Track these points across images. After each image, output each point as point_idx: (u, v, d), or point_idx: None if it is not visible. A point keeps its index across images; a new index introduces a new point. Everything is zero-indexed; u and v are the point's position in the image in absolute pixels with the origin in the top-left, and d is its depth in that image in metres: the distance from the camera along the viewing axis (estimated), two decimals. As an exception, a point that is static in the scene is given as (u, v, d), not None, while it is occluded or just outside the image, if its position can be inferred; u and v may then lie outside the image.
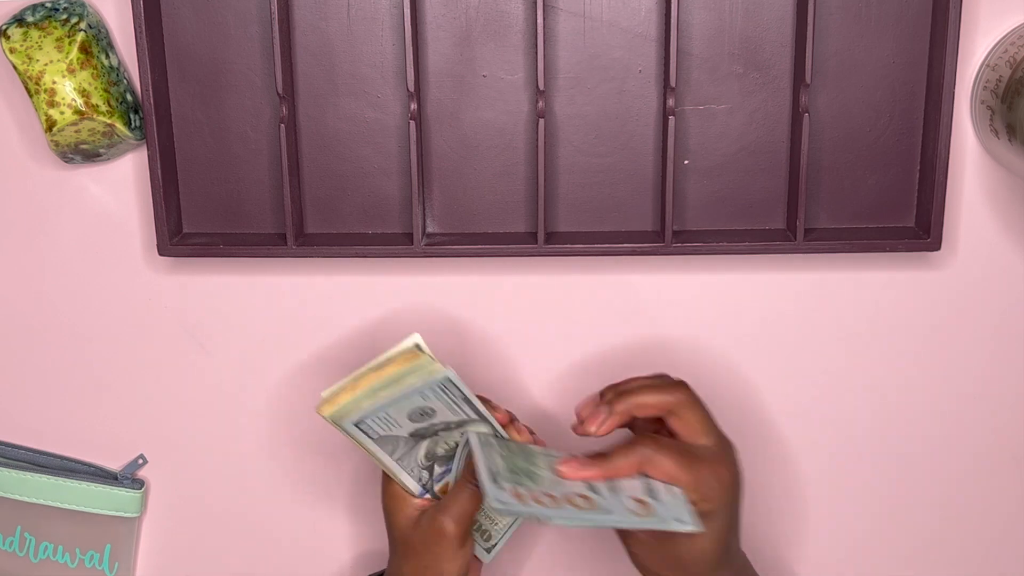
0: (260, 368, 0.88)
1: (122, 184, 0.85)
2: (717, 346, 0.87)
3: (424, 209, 0.84)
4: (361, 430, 0.73)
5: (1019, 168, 0.80)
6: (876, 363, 0.87)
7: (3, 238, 0.86)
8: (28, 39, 0.78)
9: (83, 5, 0.79)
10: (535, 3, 0.78)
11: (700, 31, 0.81)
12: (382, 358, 0.71)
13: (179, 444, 0.90)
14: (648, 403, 0.73)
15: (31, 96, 0.78)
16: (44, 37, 0.78)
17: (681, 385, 0.74)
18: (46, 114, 0.78)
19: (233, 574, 0.93)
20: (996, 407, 0.88)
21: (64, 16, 0.79)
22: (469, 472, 0.75)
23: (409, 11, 0.78)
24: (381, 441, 0.74)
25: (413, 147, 0.80)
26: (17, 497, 0.88)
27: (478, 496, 0.75)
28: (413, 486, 0.77)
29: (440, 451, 0.77)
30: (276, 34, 0.79)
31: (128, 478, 0.89)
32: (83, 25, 0.78)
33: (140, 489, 0.89)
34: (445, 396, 0.73)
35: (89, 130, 0.79)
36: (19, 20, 0.79)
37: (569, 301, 0.87)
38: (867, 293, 0.86)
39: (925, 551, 0.91)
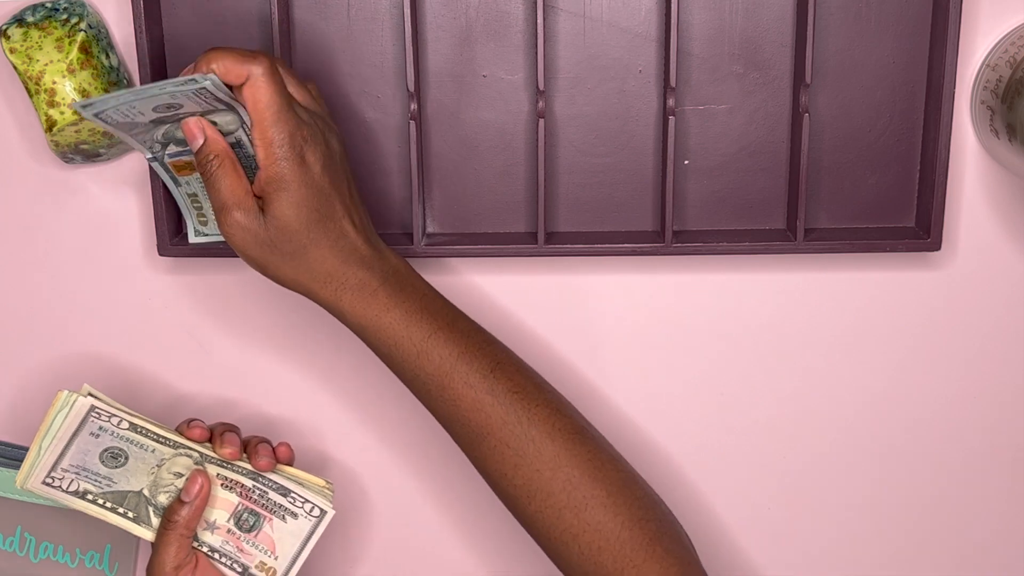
0: (260, 368, 0.88)
1: (122, 184, 0.85)
2: (717, 346, 0.87)
3: (424, 209, 0.84)
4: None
5: (1019, 168, 0.80)
6: (875, 363, 0.87)
7: (3, 238, 0.86)
8: (28, 39, 0.78)
9: (83, 5, 0.79)
10: (535, 3, 0.78)
11: (700, 31, 0.81)
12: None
13: (179, 444, 0.90)
14: (227, 67, 0.68)
15: (31, 96, 0.78)
16: (44, 37, 0.78)
17: (260, 57, 0.68)
18: (46, 114, 0.78)
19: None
20: (996, 407, 0.88)
21: (64, 16, 0.79)
22: (166, 515, 0.75)
23: (409, 11, 0.78)
24: (120, 127, 0.71)
25: (413, 147, 0.80)
26: (17, 497, 0.88)
27: (178, 539, 0.75)
28: (152, 536, 0.76)
29: (179, 135, 0.73)
30: (276, 34, 0.79)
31: (128, 478, 0.89)
32: (83, 25, 0.78)
33: (140, 489, 0.89)
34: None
35: (89, 130, 0.79)
36: (19, 20, 0.79)
37: (569, 301, 0.86)
38: (867, 293, 0.86)
39: (925, 550, 0.91)
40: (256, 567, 0.77)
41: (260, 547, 0.77)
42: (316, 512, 0.77)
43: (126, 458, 0.75)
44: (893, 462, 0.89)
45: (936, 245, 0.81)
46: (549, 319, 0.87)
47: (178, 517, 0.75)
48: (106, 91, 0.79)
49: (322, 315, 0.87)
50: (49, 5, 0.79)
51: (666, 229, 0.81)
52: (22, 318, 0.88)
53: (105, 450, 0.74)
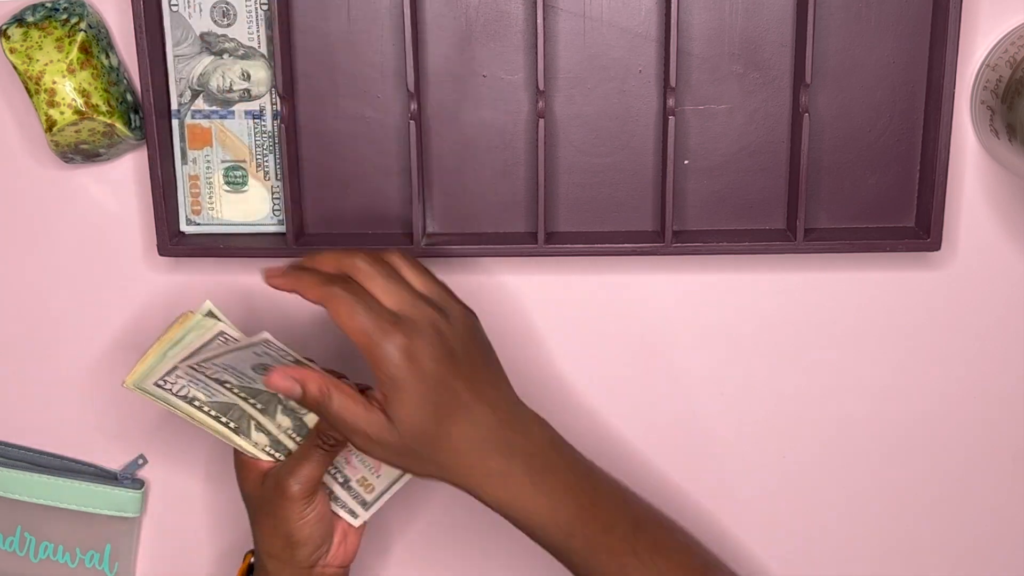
0: (260, 368, 0.88)
1: (122, 184, 0.85)
2: (717, 346, 0.87)
3: (424, 209, 0.83)
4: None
5: (1019, 168, 0.80)
6: (876, 363, 0.87)
7: (3, 238, 0.86)
8: (28, 39, 0.78)
9: (83, 5, 0.80)
10: (535, 3, 0.78)
11: (700, 31, 0.81)
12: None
13: (179, 444, 0.90)
14: (328, 259, 0.68)
15: (31, 96, 0.78)
16: (44, 37, 0.78)
17: (363, 252, 0.68)
18: (46, 114, 0.78)
19: (233, 574, 0.93)
20: (996, 407, 0.88)
21: (64, 16, 0.79)
22: (315, 433, 0.74)
23: (409, 11, 0.78)
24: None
25: (413, 147, 0.80)
26: (17, 497, 0.88)
27: (326, 457, 0.74)
28: (251, 447, 0.75)
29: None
30: (276, 34, 0.79)
31: (128, 478, 0.89)
32: (83, 25, 0.78)
33: (140, 489, 0.89)
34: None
35: (89, 130, 0.79)
36: (19, 20, 0.79)
37: (569, 301, 0.87)
38: (867, 293, 0.86)
39: (925, 549, 0.91)
40: (358, 481, 0.78)
41: (366, 463, 0.77)
42: None
43: (264, 368, 0.73)
44: (893, 462, 0.89)
45: (936, 245, 0.81)
46: (549, 319, 0.87)
47: (333, 440, 0.73)
48: (106, 91, 0.79)
49: (322, 311, 0.87)
50: (49, 5, 0.79)
51: (666, 229, 0.81)
52: (22, 318, 0.88)
53: (258, 365, 0.73)
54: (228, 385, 0.74)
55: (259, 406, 0.75)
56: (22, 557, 0.89)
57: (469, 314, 0.71)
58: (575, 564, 0.72)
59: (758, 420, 0.88)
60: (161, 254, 0.83)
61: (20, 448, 0.90)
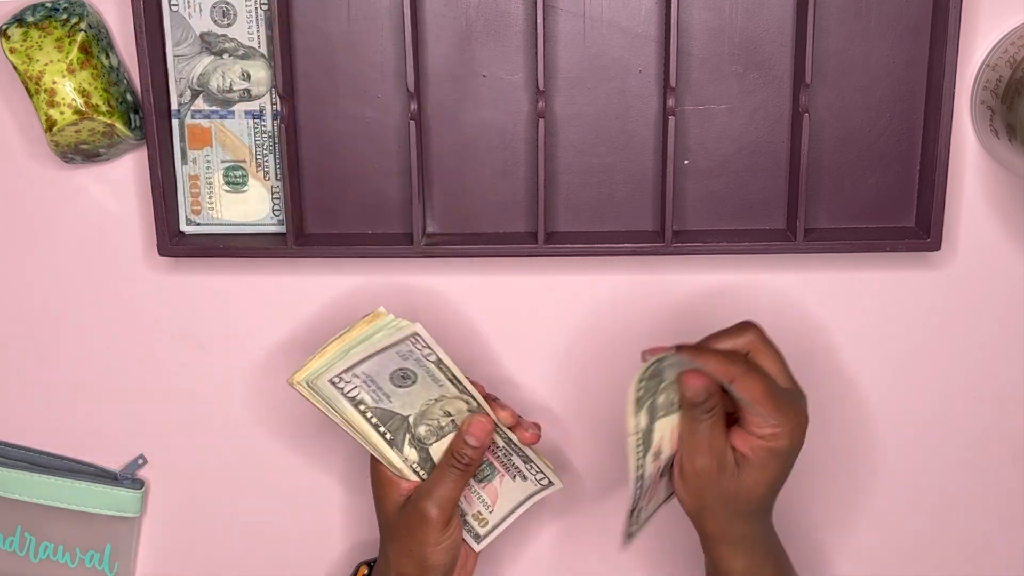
0: (260, 368, 0.88)
1: (122, 184, 0.85)
2: (717, 346, 0.87)
3: (424, 209, 0.83)
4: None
5: (1019, 168, 0.80)
6: (876, 363, 0.87)
7: (3, 238, 0.86)
8: (28, 39, 0.78)
9: (83, 5, 0.80)
10: (535, 3, 0.78)
11: (700, 31, 0.81)
12: (346, 328, 0.73)
13: (179, 444, 0.90)
14: (723, 346, 0.73)
15: (31, 96, 0.78)
16: (44, 37, 0.78)
17: (749, 326, 0.74)
18: (46, 114, 0.78)
19: (233, 574, 0.93)
20: (996, 406, 0.88)
21: (64, 16, 0.79)
22: (451, 454, 0.75)
23: (409, 11, 0.78)
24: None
25: (413, 147, 0.80)
26: (17, 497, 0.88)
27: (462, 479, 0.75)
28: (399, 463, 0.76)
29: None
30: (276, 34, 0.79)
31: (128, 478, 0.89)
32: (83, 25, 0.78)
33: (140, 489, 0.89)
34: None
35: (89, 130, 0.79)
36: (19, 20, 0.79)
37: (569, 301, 0.86)
38: (867, 293, 0.86)
39: (922, 550, 0.91)
40: (473, 516, 0.79)
41: (483, 498, 0.79)
42: (545, 482, 0.81)
43: (413, 382, 0.75)
44: (893, 461, 0.89)
45: (936, 245, 0.81)
46: (549, 319, 0.87)
47: (467, 460, 0.75)
48: (106, 91, 0.79)
49: (322, 311, 0.87)
50: (49, 5, 0.79)
51: (666, 229, 0.81)
52: (22, 318, 0.88)
53: (399, 369, 0.74)
54: (360, 405, 0.74)
55: (385, 432, 0.76)
56: (22, 557, 0.89)
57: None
58: None
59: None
60: (161, 254, 0.83)
61: (20, 448, 0.90)
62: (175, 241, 0.83)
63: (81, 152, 0.81)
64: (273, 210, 0.84)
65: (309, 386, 0.72)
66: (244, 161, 0.84)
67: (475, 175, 0.84)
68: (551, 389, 0.88)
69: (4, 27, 0.79)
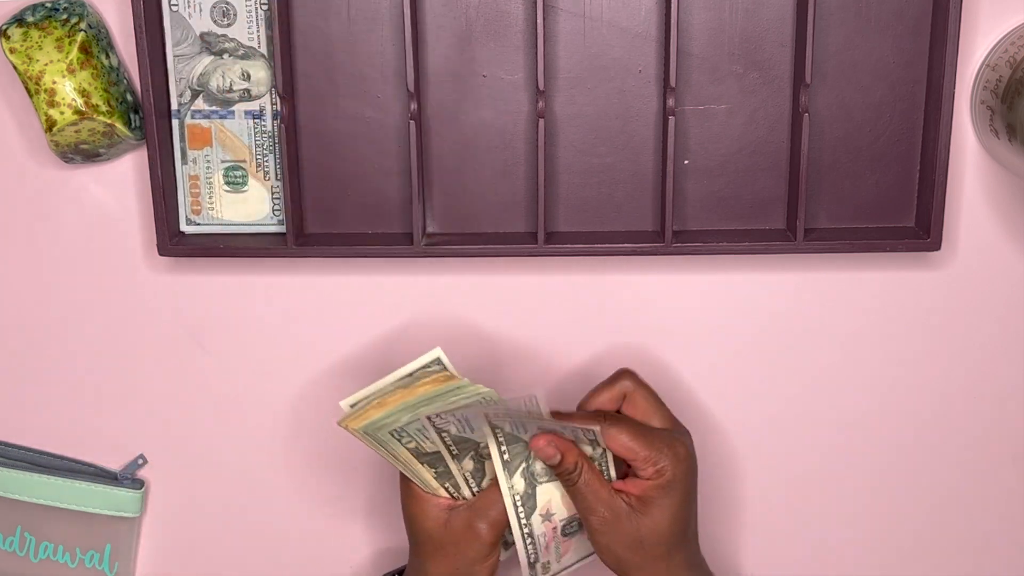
0: (260, 368, 0.88)
1: (122, 184, 0.85)
2: (717, 346, 0.87)
3: (424, 209, 0.83)
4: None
5: (1019, 168, 0.80)
6: (876, 363, 0.87)
7: (3, 238, 0.86)
8: (28, 39, 0.78)
9: (83, 5, 0.79)
10: (535, 3, 0.78)
11: (700, 31, 0.81)
12: (405, 371, 0.72)
13: (179, 444, 0.90)
14: (600, 402, 0.77)
15: (31, 96, 0.78)
16: (44, 37, 0.78)
17: (624, 373, 0.77)
18: (46, 114, 0.78)
19: (233, 574, 0.93)
20: (996, 407, 0.88)
21: (64, 16, 0.79)
22: (571, 478, 0.76)
23: (409, 11, 0.78)
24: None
25: (413, 147, 0.80)
26: (17, 497, 0.88)
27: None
28: (436, 487, 0.77)
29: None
30: (276, 34, 0.79)
31: (128, 478, 0.89)
32: (83, 25, 0.78)
33: (140, 489, 0.89)
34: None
35: (89, 130, 0.79)
36: (19, 20, 0.79)
37: (569, 301, 0.86)
38: (867, 293, 0.86)
39: (924, 550, 0.91)
40: (542, 565, 0.79)
41: (557, 551, 0.79)
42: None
43: (472, 430, 0.75)
44: (893, 461, 0.89)
45: (936, 245, 0.81)
46: (549, 319, 0.87)
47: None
48: (106, 91, 0.79)
49: (322, 311, 0.87)
50: (49, 5, 0.79)
51: (666, 229, 0.81)
52: (22, 318, 0.88)
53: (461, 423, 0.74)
54: (443, 433, 0.74)
55: (455, 450, 0.76)
56: (22, 557, 0.89)
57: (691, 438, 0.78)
58: None
59: (758, 420, 0.88)
60: (161, 254, 0.83)
61: (20, 448, 0.90)
62: (175, 241, 0.83)
63: (81, 152, 0.81)
64: (273, 210, 0.84)
65: (367, 435, 0.72)
66: (244, 161, 0.84)
67: (475, 175, 0.84)
68: (550, 389, 0.88)
69: (4, 27, 0.79)
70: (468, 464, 0.77)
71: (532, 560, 0.77)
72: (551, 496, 0.76)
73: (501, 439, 0.74)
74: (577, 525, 0.79)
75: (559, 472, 0.74)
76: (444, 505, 0.77)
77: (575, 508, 0.76)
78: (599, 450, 0.75)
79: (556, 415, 0.73)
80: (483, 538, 0.76)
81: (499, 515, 0.76)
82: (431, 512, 0.77)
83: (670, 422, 0.77)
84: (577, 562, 0.80)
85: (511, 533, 0.77)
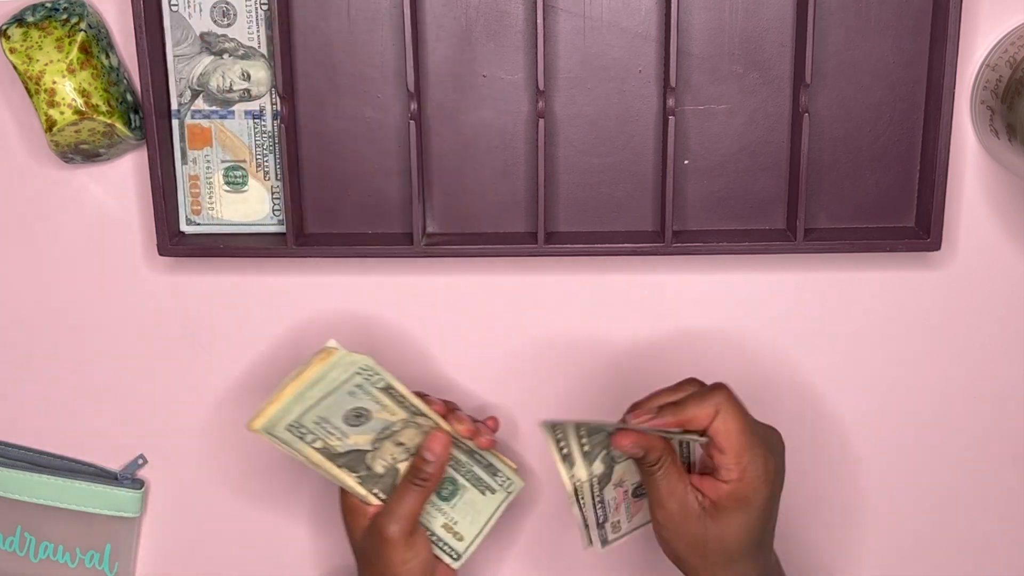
0: (260, 368, 0.88)
1: (122, 184, 0.85)
2: (717, 346, 0.87)
3: (424, 209, 0.83)
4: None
5: (1019, 168, 0.80)
6: (876, 363, 0.87)
7: (3, 238, 0.86)
8: (28, 39, 0.78)
9: (83, 5, 0.79)
10: (535, 3, 0.78)
11: (700, 31, 0.81)
12: (300, 367, 0.73)
13: (179, 444, 0.90)
14: (697, 415, 0.73)
15: (31, 96, 0.78)
16: (44, 37, 0.78)
17: (720, 388, 0.74)
18: (46, 114, 0.78)
19: (233, 574, 0.93)
20: (996, 406, 0.88)
21: (64, 16, 0.79)
22: (411, 471, 0.76)
23: (409, 11, 0.78)
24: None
25: (413, 147, 0.80)
26: (17, 497, 0.88)
27: (421, 495, 0.76)
28: (363, 491, 0.77)
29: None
30: (276, 34, 0.79)
31: (128, 478, 0.89)
32: (83, 25, 0.78)
33: (140, 489, 0.89)
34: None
35: (89, 130, 0.79)
36: (19, 20, 0.79)
37: (569, 301, 0.86)
38: (867, 293, 0.86)
39: (925, 550, 0.91)
40: (447, 534, 0.79)
41: (628, 511, 0.79)
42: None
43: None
44: (893, 461, 0.89)
45: (936, 245, 0.81)
46: (549, 319, 0.87)
47: (426, 475, 0.76)
48: (106, 91, 0.79)
49: (322, 311, 0.87)
50: (49, 5, 0.79)
51: (666, 229, 0.81)
52: (22, 318, 0.88)
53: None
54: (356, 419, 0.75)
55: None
56: (22, 557, 0.89)
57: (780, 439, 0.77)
58: None
59: (757, 420, 0.88)
60: (161, 254, 0.83)
61: (20, 448, 0.90)
62: (175, 241, 0.83)
63: (81, 152, 0.81)
64: (273, 210, 0.84)
65: (268, 433, 0.72)
66: (244, 161, 0.84)
67: (475, 175, 0.84)
68: (550, 389, 0.88)
69: (4, 27, 0.79)
70: (374, 482, 0.77)
71: (601, 520, 0.77)
72: (626, 469, 0.77)
73: (583, 432, 0.74)
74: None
75: (641, 464, 0.73)
76: (371, 514, 0.77)
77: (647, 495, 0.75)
78: (685, 445, 0.76)
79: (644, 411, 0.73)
80: (392, 539, 0.75)
81: (407, 511, 0.75)
82: (359, 521, 0.77)
83: (765, 432, 0.75)
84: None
85: (447, 535, 0.78)
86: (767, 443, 0.73)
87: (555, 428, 0.73)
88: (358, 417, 0.75)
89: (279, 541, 0.92)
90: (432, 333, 0.87)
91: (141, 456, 0.90)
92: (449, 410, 0.79)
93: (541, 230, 0.82)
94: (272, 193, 0.84)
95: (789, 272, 0.85)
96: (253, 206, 0.84)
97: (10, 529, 0.89)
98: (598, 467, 0.75)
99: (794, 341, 0.87)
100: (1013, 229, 0.84)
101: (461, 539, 0.80)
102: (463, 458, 0.80)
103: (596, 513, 0.76)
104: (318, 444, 0.74)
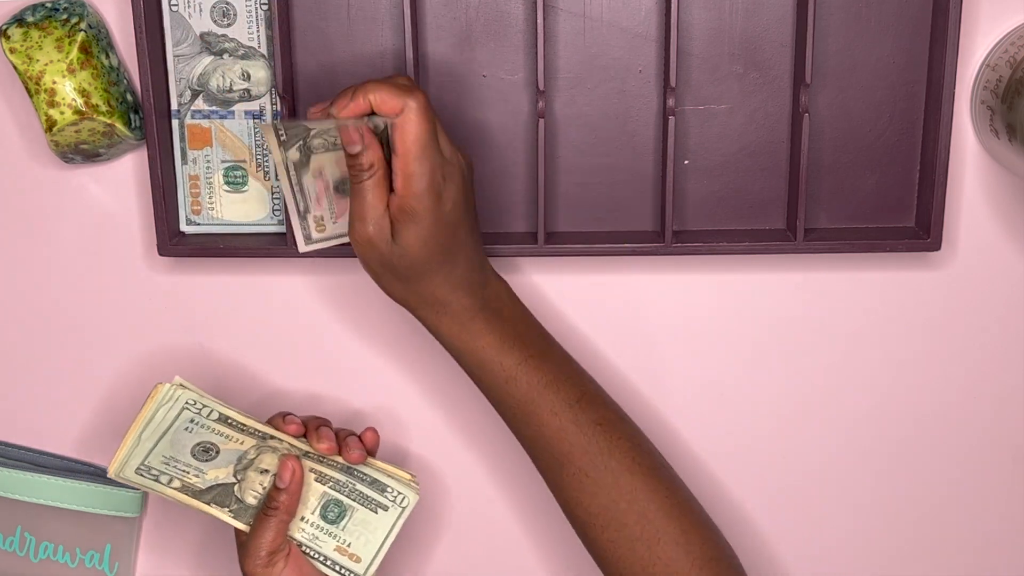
0: (259, 368, 0.88)
1: (122, 184, 0.85)
2: (717, 346, 0.87)
3: (424, 209, 0.83)
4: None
5: (1019, 168, 0.80)
6: (876, 363, 0.87)
7: (3, 238, 0.86)
8: (28, 39, 0.78)
9: (83, 5, 0.80)
10: (535, 3, 0.78)
11: (700, 31, 0.81)
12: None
13: (179, 444, 0.90)
14: (385, 102, 0.69)
15: (31, 96, 0.78)
16: (44, 37, 0.78)
17: (417, 92, 0.70)
18: (46, 114, 0.78)
19: (233, 574, 0.93)
20: (996, 406, 0.88)
21: (64, 16, 0.79)
22: (266, 501, 0.75)
23: (409, 11, 0.78)
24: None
25: (413, 147, 0.80)
26: (17, 497, 0.88)
27: (278, 525, 0.74)
28: (242, 526, 0.76)
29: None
30: (276, 34, 0.79)
31: (128, 478, 0.89)
32: (83, 25, 0.78)
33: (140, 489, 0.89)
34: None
35: (89, 130, 0.79)
36: (19, 20, 0.79)
37: (569, 301, 0.86)
38: (867, 293, 0.86)
39: (925, 550, 0.91)
40: (315, 219, 0.77)
41: (331, 209, 0.77)
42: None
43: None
44: (893, 461, 0.89)
45: (936, 245, 0.81)
46: (549, 319, 0.87)
47: (276, 503, 0.74)
48: (106, 91, 0.79)
49: (322, 311, 0.87)
50: (49, 5, 0.79)
51: (666, 229, 0.81)
52: (22, 318, 0.88)
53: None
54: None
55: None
56: (22, 557, 0.89)
57: (471, 164, 0.75)
58: (513, 414, 0.76)
59: (757, 420, 0.88)
60: (161, 254, 0.83)
61: (20, 448, 0.89)
62: (175, 241, 0.83)
63: (81, 152, 0.81)
64: (273, 210, 0.84)
65: (121, 478, 0.74)
66: (244, 161, 0.84)
67: (475, 175, 0.84)
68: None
69: (4, 27, 0.79)
70: (257, 486, 0.76)
71: (302, 210, 0.76)
72: (324, 162, 0.75)
73: (280, 125, 0.73)
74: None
75: (352, 166, 0.71)
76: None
77: (349, 205, 0.73)
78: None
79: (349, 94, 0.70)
80: (250, 571, 0.75)
81: (262, 543, 0.74)
82: (240, 552, 0.76)
83: (446, 151, 0.72)
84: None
85: (344, 558, 0.77)
86: (445, 159, 0.71)
87: (264, 128, 0.73)
88: (206, 452, 0.76)
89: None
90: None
91: (141, 456, 0.90)
92: (314, 428, 0.77)
93: (541, 230, 0.81)
94: (272, 193, 0.84)
95: (789, 272, 0.85)
96: (253, 206, 0.84)
97: (10, 529, 0.89)
98: (294, 154, 0.73)
99: (794, 341, 0.87)
100: (1013, 229, 0.84)
101: (359, 560, 0.77)
102: (342, 477, 0.77)
103: (296, 201, 0.75)
104: (175, 484, 0.75)
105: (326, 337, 0.87)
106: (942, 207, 0.80)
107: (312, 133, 0.73)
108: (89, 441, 0.90)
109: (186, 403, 0.76)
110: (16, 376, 0.89)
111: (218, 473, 0.76)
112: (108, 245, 0.86)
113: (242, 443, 0.76)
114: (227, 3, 0.80)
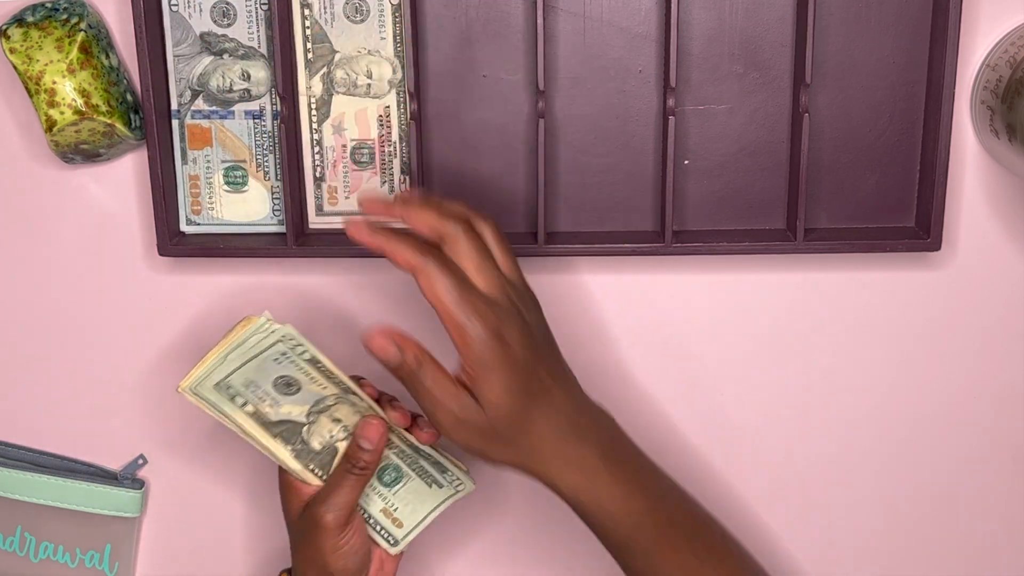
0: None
1: (122, 184, 0.85)
2: (717, 346, 0.87)
3: (424, 209, 0.83)
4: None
5: (1019, 168, 0.80)
6: (876, 363, 0.87)
7: (3, 238, 0.86)
8: (28, 39, 0.78)
9: (83, 5, 0.80)
10: (535, 3, 0.78)
11: (700, 31, 0.81)
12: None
13: (179, 444, 0.90)
14: (425, 219, 0.67)
15: (31, 96, 0.78)
16: (44, 37, 0.78)
17: (463, 217, 0.67)
18: (46, 114, 0.78)
19: (233, 574, 0.93)
20: (995, 407, 0.88)
21: (64, 16, 0.79)
22: (347, 458, 0.74)
23: (409, 11, 0.78)
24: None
25: (413, 147, 0.80)
26: (17, 497, 0.88)
27: (359, 484, 0.73)
28: (299, 467, 0.75)
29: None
30: (276, 34, 0.79)
31: (128, 478, 0.89)
32: (83, 25, 0.78)
33: (140, 489, 0.89)
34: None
35: (89, 130, 0.79)
36: (19, 20, 0.79)
37: (569, 301, 0.86)
38: (867, 293, 0.86)
39: (925, 550, 0.91)
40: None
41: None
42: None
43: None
44: (893, 461, 0.89)
45: (936, 245, 0.81)
46: (548, 319, 0.87)
47: (364, 463, 0.73)
48: (106, 91, 0.79)
49: (322, 311, 0.87)
50: (49, 5, 0.79)
51: (666, 229, 0.81)
52: (22, 318, 0.88)
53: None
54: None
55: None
56: (22, 557, 0.89)
57: (537, 302, 0.72)
58: (635, 562, 0.72)
59: (757, 420, 0.88)
60: (161, 254, 0.83)
61: (20, 448, 0.90)
62: (175, 241, 0.83)
63: (81, 152, 0.81)
64: (273, 210, 0.84)
65: (195, 393, 0.72)
66: (244, 161, 0.84)
67: (475, 175, 0.84)
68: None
69: (4, 27, 0.79)
70: (312, 459, 0.75)
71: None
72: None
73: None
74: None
75: (401, 373, 0.67)
76: (305, 496, 0.75)
77: (421, 408, 0.69)
78: None
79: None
80: (326, 524, 0.73)
81: (343, 500, 0.73)
82: (294, 502, 0.75)
83: (483, 301, 0.67)
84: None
85: (386, 520, 0.77)
86: (492, 301, 0.67)
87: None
88: (288, 386, 0.75)
89: (279, 541, 0.92)
90: (432, 333, 0.87)
91: (141, 456, 0.90)
92: (387, 399, 0.77)
93: (541, 230, 0.82)
94: (272, 193, 0.84)
95: (789, 272, 0.85)
96: (253, 206, 0.84)
97: (10, 529, 0.89)
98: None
99: (794, 341, 0.87)
100: (1013, 229, 0.84)
101: (400, 526, 0.78)
102: (407, 449, 0.78)
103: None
104: (249, 408, 0.73)
105: (326, 337, 0.87)
106: (942, 207, 0.80)
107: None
108: (89, 441, 0.90)
109: (282, 336, 0.74)
110: (16, 376, 0.89)
111: (292, 409, 0.75)
112: (108, 245, 0.86)
113: (324, 388, 0.76)
114: (227, 3, 0.81)
